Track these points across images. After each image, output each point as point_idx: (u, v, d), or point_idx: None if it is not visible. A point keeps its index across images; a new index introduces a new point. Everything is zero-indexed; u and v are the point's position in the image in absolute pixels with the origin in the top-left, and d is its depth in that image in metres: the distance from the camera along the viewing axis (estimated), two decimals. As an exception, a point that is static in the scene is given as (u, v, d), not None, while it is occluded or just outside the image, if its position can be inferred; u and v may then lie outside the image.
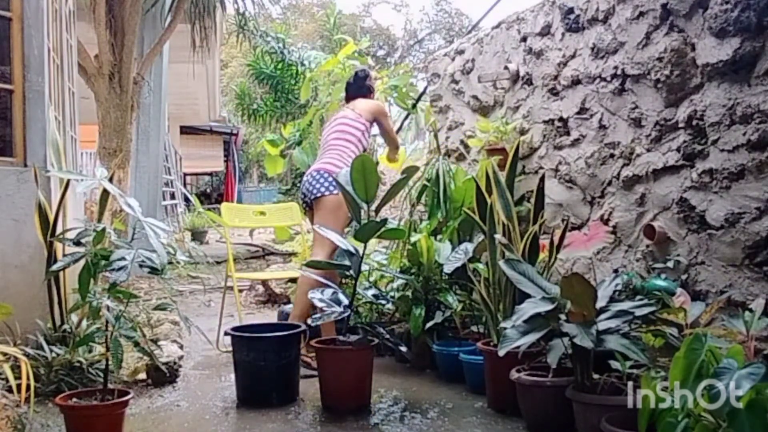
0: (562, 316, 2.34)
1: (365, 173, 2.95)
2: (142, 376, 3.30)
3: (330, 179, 3.57)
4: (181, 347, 3.65)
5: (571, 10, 3.25)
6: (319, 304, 3.02)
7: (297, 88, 10.90)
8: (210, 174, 22.53)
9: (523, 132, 3.61)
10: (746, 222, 2.41)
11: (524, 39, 3.63)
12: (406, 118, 7.53)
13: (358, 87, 4.08)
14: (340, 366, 2.98)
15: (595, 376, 2.38)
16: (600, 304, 2.36)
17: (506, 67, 3.71)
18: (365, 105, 3.95)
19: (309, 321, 3.10)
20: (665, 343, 2.38)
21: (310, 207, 3.72)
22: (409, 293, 3.64)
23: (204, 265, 5.86)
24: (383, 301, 3.36)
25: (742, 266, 2.45)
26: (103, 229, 2.42)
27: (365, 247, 3.02)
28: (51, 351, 2.92)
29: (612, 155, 3.04)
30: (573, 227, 3.20)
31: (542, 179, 3.12)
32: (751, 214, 2.40)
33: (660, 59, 2.74)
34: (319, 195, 3.59)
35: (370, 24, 22.97)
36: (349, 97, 4.10)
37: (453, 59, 4.38)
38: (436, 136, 4.53)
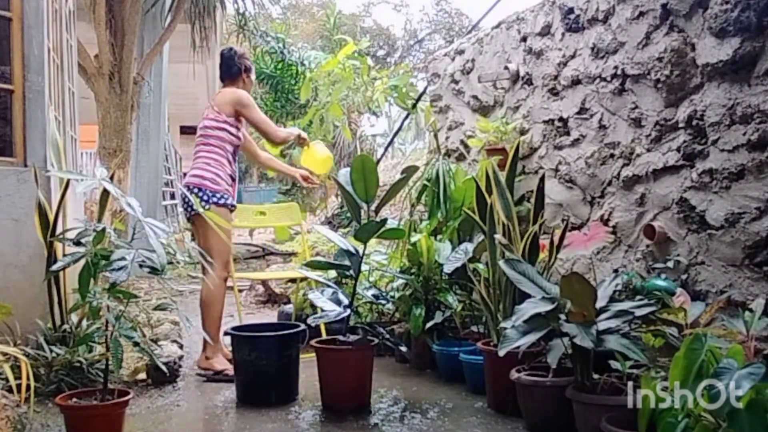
0: (562, 316, 2.34)
1: (365, 173, 2.94)
2: (142, 376, 3.30)
3: (200, 193, 3.47)
4: (181, 347, 3.65)
5: (571, 10, 3.25)
6: (320, 304, 3.02)
7: (297, 88, 10.89)
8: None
9: (523, 132, 3.61)
10: (746, 222, 2.41)
11: (524, 39, 3.63)
12: (406, 118, 7.55)
13: (227, 68, 3.74)
14: (340, 366, 2.98)
15: (595, 376, 2.38)
16: (600, 304, 2.36)
17: (506, 67, 3.71)
18: (223, 98, 3.63)
19: (309, 321, 3.10)
20: (665, 343, 2.38)
21: (191, 221, 3.58)
22: (409, 293, 3.64)
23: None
24: (383, 301, 3.36)
25: (742, 266, 2.45)
26: (103, 229, 2.41)
27: (365, 247, 3.02)
28: (51, 351, 2.92)
29: (612, 155, 3.04)
30: (573, 227, 3.20)
31: (542, 179, 3.12)
32: (751, 214, 2.40)
33: (660, 59, 2.74)
34: (195, 213, 3.46)
35: (370, 24, 22.91)
36: (223, 83, 3.79)
37: (453, 59, 4.37)
38: (436, 136, 4.53)
